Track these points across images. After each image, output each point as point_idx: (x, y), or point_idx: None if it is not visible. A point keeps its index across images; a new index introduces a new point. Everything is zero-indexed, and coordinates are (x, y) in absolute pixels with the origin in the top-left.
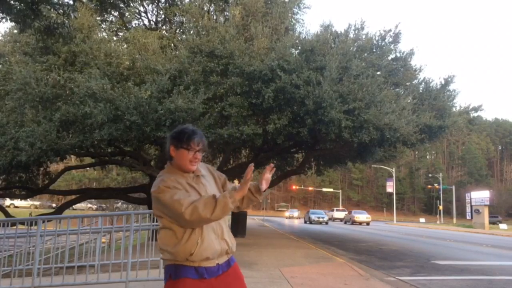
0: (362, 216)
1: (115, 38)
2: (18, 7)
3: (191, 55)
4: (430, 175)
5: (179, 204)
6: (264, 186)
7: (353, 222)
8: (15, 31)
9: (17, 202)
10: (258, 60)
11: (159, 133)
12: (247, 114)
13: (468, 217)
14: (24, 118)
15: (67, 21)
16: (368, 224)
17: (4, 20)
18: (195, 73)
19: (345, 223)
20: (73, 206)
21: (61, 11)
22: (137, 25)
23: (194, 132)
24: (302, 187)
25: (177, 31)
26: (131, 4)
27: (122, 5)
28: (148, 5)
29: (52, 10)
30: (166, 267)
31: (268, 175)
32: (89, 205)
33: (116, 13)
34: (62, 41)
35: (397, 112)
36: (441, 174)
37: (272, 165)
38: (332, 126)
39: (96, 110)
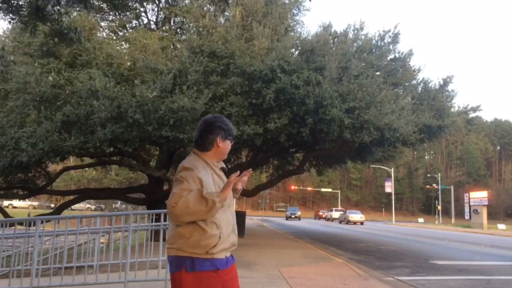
0: (356, 216)
1: (114, 37)
2: (27, 11)
3: (192, 55)
4: (428, 175)
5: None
6: (239, 187)
7: (348, 222)
8: (20, 26)
9: (16, 203)
10: (259, 60)
11: (161, 132)
12: (247, 114)
13: (467, 217)
14: (25, 119)
15: (78, 28)
16: (362, 223)
17: (13, 22)
18: (195, 73)
19: (340, 222)
20: (72, 206)
21: (64, 15)
22: (137, 25)
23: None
24: (301, 187)
25: (177, 31)
26: (140, 8)
27: (136, 5)
28: (148, 5)
29: (60, 14)
30: (178, 258)
31: (245, 178)
32: (88, 206)
33: (118, 14)
34: (72, 44)
35: (396, 113)
36: (439, 174)
37: (250, 170)
38: (333, 125)
39: (102, 106)
